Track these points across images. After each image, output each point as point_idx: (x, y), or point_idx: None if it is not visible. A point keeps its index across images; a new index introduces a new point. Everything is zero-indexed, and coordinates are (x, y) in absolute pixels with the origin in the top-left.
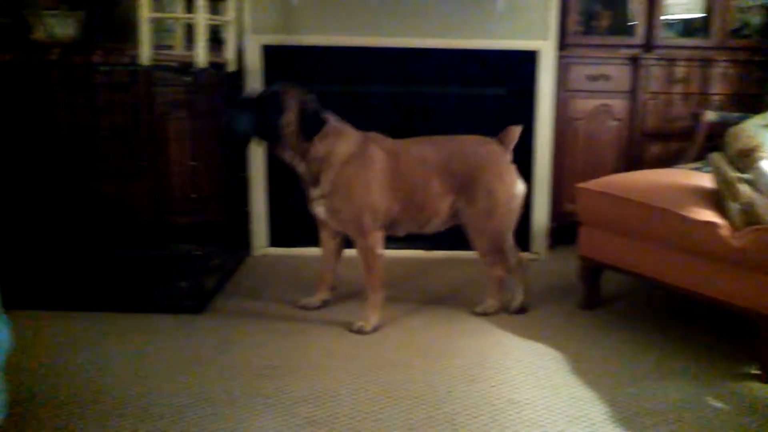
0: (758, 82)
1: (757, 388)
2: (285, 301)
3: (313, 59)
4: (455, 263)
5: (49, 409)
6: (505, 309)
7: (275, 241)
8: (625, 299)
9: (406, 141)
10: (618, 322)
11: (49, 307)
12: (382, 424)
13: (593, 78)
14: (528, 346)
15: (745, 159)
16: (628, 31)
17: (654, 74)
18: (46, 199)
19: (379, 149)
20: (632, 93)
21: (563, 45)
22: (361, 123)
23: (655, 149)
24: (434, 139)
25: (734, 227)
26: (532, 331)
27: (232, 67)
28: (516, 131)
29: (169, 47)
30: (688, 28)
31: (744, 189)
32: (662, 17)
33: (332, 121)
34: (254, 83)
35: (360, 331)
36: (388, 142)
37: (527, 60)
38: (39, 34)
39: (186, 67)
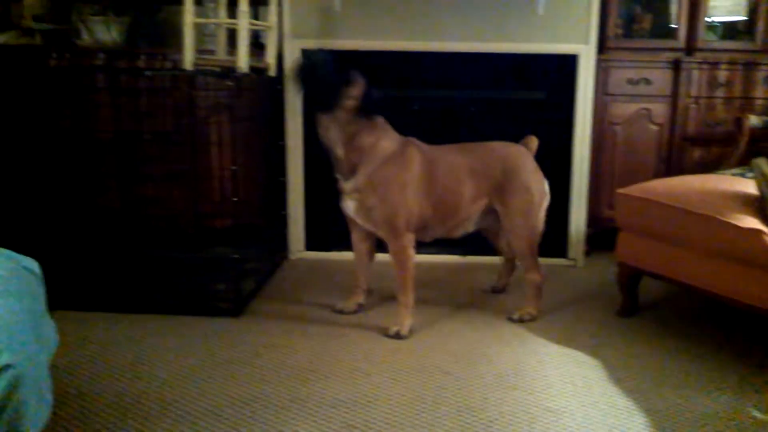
0: None
1: None
2: (321, 304)
3: (351, 64)
4: (490, 268)
5: (93, 409)
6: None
7: (311, 245)
8: (664, 307)
9: (440, 147)
10: (657, 329)
11: (91, 308)
12: (418, 431)
13: (634, 82)
14: (565, 354)
15: None
16: (670, 34)
17: (695, 78)
18: (88, 202)
19: (418, 153)
20: (673, 97)
21: (603, 48)
22: (400, 127)
23: (695, 154)
24: (465, 146)
25: None
26: (570, 338)
27: (272, 72)
28: (535, 141)
29: (210, 52)
30: (729, 30)
31: None
32: (704, 20)
33: (382, 119)
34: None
35: (397, 336)
36: (425, 147)
37: (567, 64)
38: (85, 40)
39: (228, 71)
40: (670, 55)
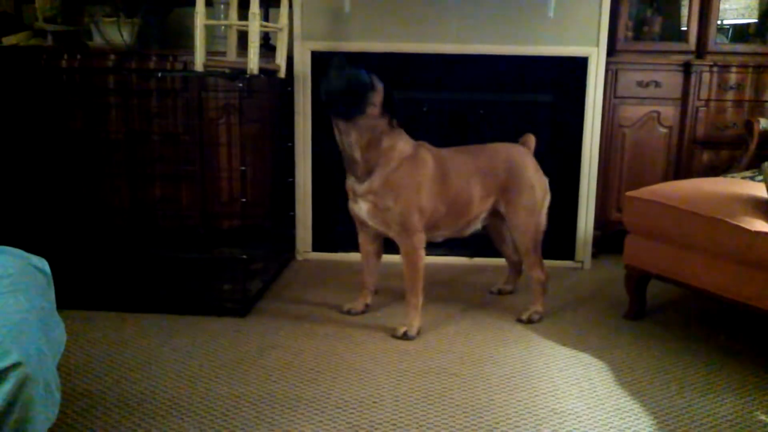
0: None
1: None
2: (328, 305)
3: (359, 65)
4: (497, 270)
5: (99, 408)
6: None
7: (318, 245)
8: (672, 309)
9: (448, 149)
10: (664, 332)
11: (99, 307)
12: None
13: (643, 84)
14: (572, 356)
15: None
16: (680, 36)
17: (706, 81)
18: (97, 202)
19: (430, 154)
20: (683, 100)
21: (613, 51)
22: (409, 129)
23: (705, 157)
24: (470, 148)
25: None
26: (576, 340)
27: (282, 74)
28: (533, 139)
29: (220, 54)
30: (740, 33)
31: None
32: (716, 22)
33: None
34: (304, 89)
35: (405, 337)
36: (435, 149)
37: (576, 66)
38: (96, 41)
39: (238, 73)
40: (680, 58)
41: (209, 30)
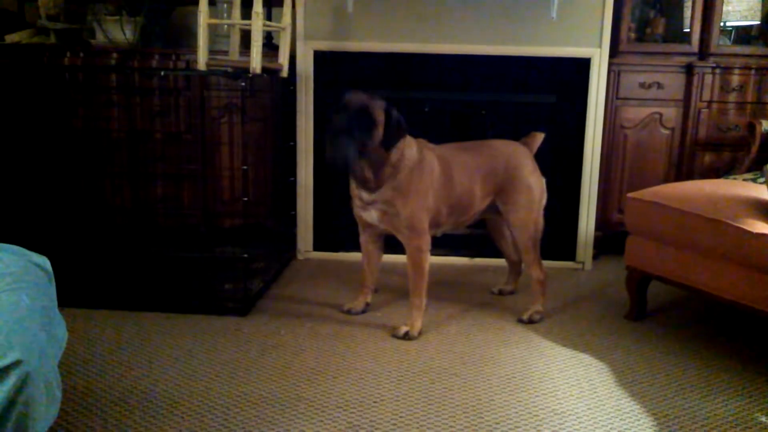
0: None
1: None
2: (328, 304)
3: (362, 65)
4: (498, 270)
5: (100, 406)
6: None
7: (319, 245)
8: (672, 310)
9: (447, 146)
10: (665, 333)
11: (100, 306)
12: None
13: (645, 86)
14: (572, 356)
15: None
16: (683, 38)
17: (708, 82)
18: (99, 200)
19: (434, 155)
20: (685, 101)
21: (616, 52)
22: (410, 130)
23: (707, 159)
24: (469, 145)
25: None
26: (577, 341)
27: (284, 73)
28: (540, 137)
29: (223, 53)
30: (742, 35)
31: None
32: (719, 24)
33: None
34: (306, 88)
35: (406, 337)
36: (437, 149)
37: (579, 67)
38: (99, 39)
39: (241, 72)
40: (682, 60)
41: (212, 29)
